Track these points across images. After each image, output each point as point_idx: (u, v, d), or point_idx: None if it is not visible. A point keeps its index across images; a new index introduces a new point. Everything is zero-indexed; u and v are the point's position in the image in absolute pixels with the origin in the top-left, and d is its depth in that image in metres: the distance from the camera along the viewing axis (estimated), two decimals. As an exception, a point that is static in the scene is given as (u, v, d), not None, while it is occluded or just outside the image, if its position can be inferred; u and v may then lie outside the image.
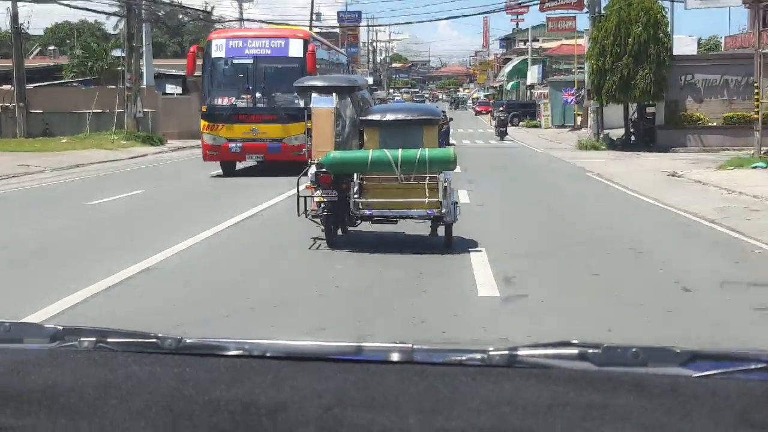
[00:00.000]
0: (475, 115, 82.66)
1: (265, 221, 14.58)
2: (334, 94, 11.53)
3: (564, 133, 52.51)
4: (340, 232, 11.70)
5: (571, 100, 53.47)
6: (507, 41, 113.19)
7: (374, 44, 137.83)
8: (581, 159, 30.77)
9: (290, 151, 20.77)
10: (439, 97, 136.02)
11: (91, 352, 1.58)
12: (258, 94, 22.93)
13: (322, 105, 11.47)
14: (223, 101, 23.25)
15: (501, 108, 65.35)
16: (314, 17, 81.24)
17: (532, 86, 73.66)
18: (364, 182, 10.93)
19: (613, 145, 37.30)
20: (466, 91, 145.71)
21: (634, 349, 1.44)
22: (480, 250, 10.89)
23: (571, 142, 42.15)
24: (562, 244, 12.17)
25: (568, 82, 56.93)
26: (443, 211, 10.75)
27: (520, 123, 65.39)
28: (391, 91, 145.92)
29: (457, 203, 11.36)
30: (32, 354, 1.58)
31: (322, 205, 10.95)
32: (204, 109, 23.84)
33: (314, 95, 11.71)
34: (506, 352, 1.47)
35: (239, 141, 22.83)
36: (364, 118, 11.63)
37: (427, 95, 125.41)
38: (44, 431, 1.28)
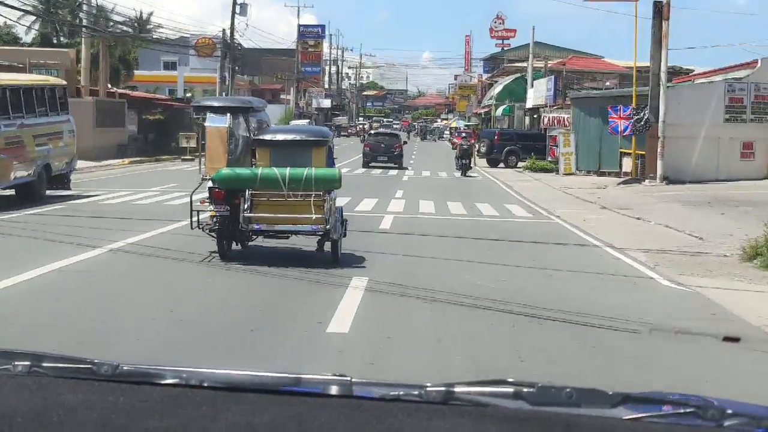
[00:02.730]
0: (453, 148, 56.46)
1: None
2: (228, 114, 11.37)
3: (614, 189, 26.64)
4: (239, 246, 11.25)
5: (626, 128, 27.55)
6: (493, 61, 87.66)
7: (338, 64, 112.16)
8: None
9: None
10: (415, 126, 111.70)
11: (24, 377, 1.52)
12: None
13: (216, 124, 11.36)
14: None
15: (464, 136, 43.02)
16: (237, 10, 55.45)
17: (535, 111, 47.85)
18: (254, 198, 10.58)
19: None
20: (444, 121, 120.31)
21: (567, 390, 1.43)
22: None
23: (681, 220, 16.50)
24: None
25: (615, 98, 31.13)
26: (328, 227, 10.54)
27: (519, 163, 39.74)
28: (360, 118, 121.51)
29: (345, 221, 11.26)
30: None
31: (215, 219, 10.71)
32: None
33: (209, 114, 11.60)
34: (443, 389, 1.44)
35: None
36: (256, 137, 11.34)
37: (397, 125, 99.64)
38: None
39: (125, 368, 1.51)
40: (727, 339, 7.00)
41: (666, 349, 6.77)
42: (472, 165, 35.52)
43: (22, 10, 37.44)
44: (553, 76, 42.98)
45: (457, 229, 15.41)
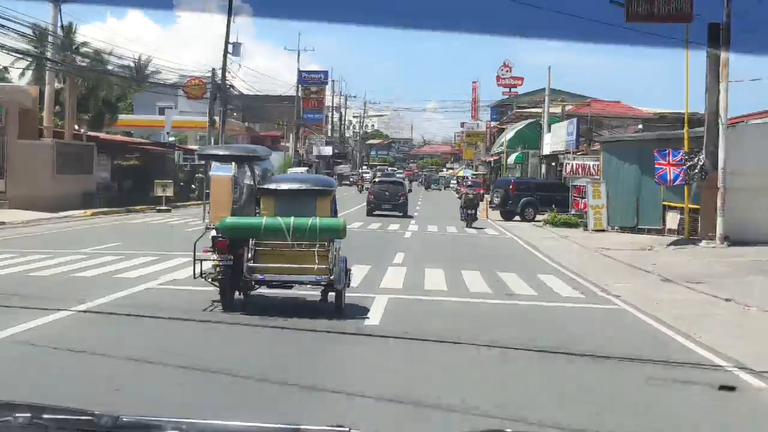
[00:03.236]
0: (458, 197, 51.09)
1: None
2: (233, 163, 11.22)
3: (665, 252, 21.41)
4: (242, 295, 10.89)
5: (677, 176, 22.42)
6: (502, 107, 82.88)
7: (341, 111, 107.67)
8: None
9: None
10: (419, 175, 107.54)
11: (25, 429, 1.48)
12: None
13: (221, 173, 11.21)
14: None
15: (470, 184, 40.76)
16: (229, 50, 50.39)
17: (553, 158, 42.86)
18: (258, 248, 10.26)
19: None
20: (450, 170, 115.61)
21: None
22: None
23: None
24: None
25: (658, 142, 26.00)
26: (332, 277, 10.19)
27: (537, 217, 34.72)
28: (364, 167, 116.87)
29: (349, 270, 10.85)
30: None
31: (218, 269, 10.36)
32: None
33: (214, 163, 11.44)
34: None
35: None
36: (261, 186, 11.07)
37: (400, 174, 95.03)
38: None
39: (126, 419, 1.45)
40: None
41: None
42: (478, 216, 31.91)
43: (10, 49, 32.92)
44: (575, 119, 37.92)
45: (483, 323, 10.17)
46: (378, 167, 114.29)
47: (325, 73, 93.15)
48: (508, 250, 22.23)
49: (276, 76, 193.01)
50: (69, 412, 1.52)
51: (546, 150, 44.16)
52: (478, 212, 32.58)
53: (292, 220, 10.18)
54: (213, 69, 48.93)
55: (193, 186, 45.32)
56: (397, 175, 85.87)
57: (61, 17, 32.52)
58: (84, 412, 1.50)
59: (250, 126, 78.16)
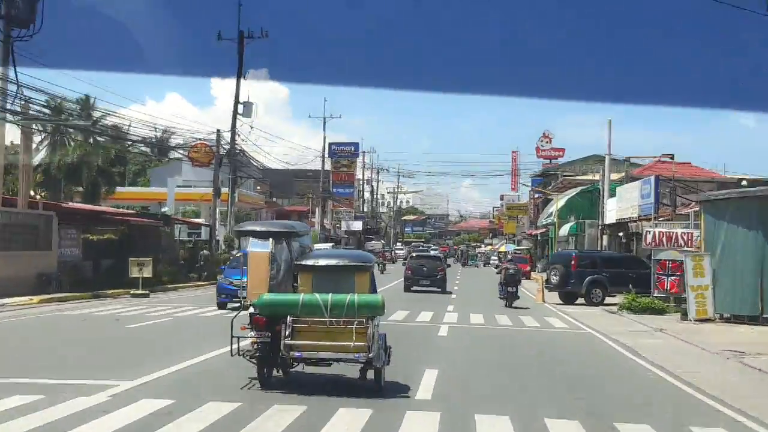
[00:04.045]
0: (497, 273, 43.16)
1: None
2: (270, 239, 10.87)
3: None
4: (280, 372, 10.53)
5: None
6: (544, 177, 75.51)
7: (372, 184, 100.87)
8: None
9: None
10: (455, 251, 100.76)
11: None
12: None
13: (258, 249, 10.91)
14: None
15: (510, 259, 35.56)
16: (240, 110, 43.44)
17: (619, 226, 35.14)
18: (296, 325, 9.96)
19: None
20: (488, 246, 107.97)
21: None
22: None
23: None
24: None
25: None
26: (371, 355, 9.83)
27: (605, 298, 27.25)
28: (398, 243, 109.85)
29: (389, 348, 10.41)
30: None
31: (255, 346, 10.17)
32: None
33: (252, 239, 11.20)
34: None
35: None
36: (298, 262, 10.77)
37: (435, 250, 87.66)
38: None
39: None
40: None
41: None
42: (518, 294, 27.08)
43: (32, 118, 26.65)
44: (651, 178, 30.27)
45: None
46: (413, 243, 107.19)
47: (356, 144, 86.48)
48: (597, 358, 14.57)
49: (308, 153, 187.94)
50: None
51: (610, 218, 36.47)
52: (519, 290, 26.90)
53: (330, 296, 9.88)
54: (218, 130, 42.25)
55: (197, 264, 38.37)
56: (432, 252, 78.14)
57: (13, 56, 25.82)
58: None
59: (274, 200, 71.69)
